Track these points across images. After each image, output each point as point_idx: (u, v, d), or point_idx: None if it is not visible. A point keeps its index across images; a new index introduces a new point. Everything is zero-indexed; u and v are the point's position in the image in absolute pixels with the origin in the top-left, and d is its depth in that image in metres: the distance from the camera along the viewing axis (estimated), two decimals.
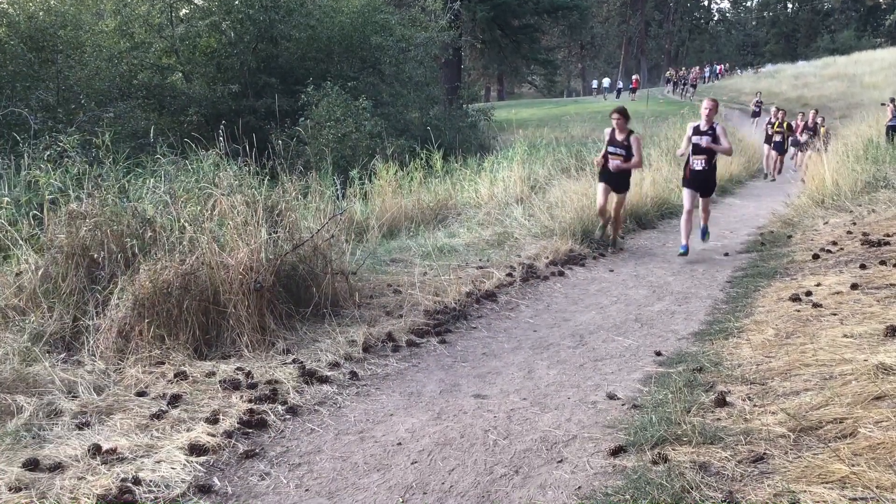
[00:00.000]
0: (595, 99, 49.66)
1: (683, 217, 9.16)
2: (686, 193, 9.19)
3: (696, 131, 8.93)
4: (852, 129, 21.39)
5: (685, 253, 8.96)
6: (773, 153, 20.01)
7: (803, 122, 19.92)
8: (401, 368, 5.32)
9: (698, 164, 8.96)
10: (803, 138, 19.04)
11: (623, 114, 9.21)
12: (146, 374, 4.87)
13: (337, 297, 6.41)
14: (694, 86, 46.62)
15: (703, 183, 9.14)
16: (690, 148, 8.94)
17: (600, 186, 9.31)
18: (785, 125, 19.56)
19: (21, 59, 15.13)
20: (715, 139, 8.82)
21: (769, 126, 20.11)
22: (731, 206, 14.51)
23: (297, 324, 5.88)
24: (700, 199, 9.25)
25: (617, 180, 9.29)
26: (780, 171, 19.94)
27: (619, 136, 9.19)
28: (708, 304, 6.91)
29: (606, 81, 54.76)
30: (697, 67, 55.43)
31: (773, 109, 21.11)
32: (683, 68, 56.41)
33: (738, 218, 12.94)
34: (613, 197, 9.42)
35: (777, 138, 19.64)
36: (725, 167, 17.66)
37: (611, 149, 9.21)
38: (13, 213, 6.40)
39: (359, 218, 9.84)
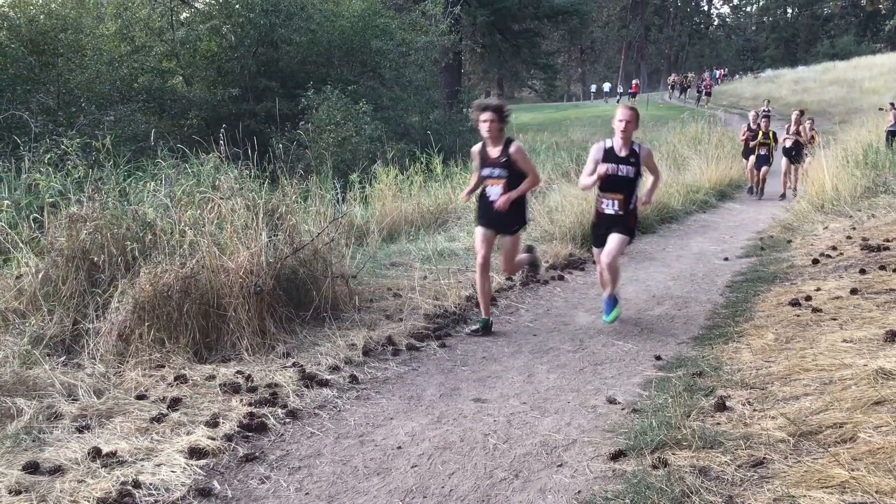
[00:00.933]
0: (594, 103, 49.71)
1: (600, 265, 6.35)
2: (595, 237, 6.48)
3: (609, 156, 6.01)
4: (852, 134, 21.40)
5: (610, 321, 6.31)
6: (762, 167, 16.45)
7: (785, 128, 16.37)
8: (401, 372, 5.32)
9: (610, 205, 6.08)
10: (786, 144, 15.84)
11: (498, 113, 5.93)
12: (146, 378, 4.87)
13: (337, 300, 6.42)
14: (709, 93, 43.88)
15: (609, 226, 6.18)
16: (597, 181, 6.05)
17: (479, 232, 6.22)
18: (771, 134, 16.31)
19: (22, 63, 15.15)
20: (639, 171, 6.06)
21: (748, 134, 16.80)
22: (730, 210, 14.51)
23: (298, 327, 5.88)
24: (604, 251, 6.20)
25: (502, 218, 6.06)
26: (761, 189, 16.60)
27: (494, 152, 6.00)
28: (707, 309, 6.91)
29: (607, 86, 54.81)
30: (714, 71, 54.82)
31: (751, 115, 17.61)
32: (691, 73, 56.27)
33: (737, 222, 12.95)
34: (505, 241, 6.37)
35: (762, 151, 16.30)
36: (725, 172, 17.69)
37: (485, 171, 6.08)
38: (13, 216, 6.39)
39: (359, 222, 9.85)
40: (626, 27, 71.20)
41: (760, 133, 16.36)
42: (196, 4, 21.02)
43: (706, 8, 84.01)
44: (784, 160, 16.13)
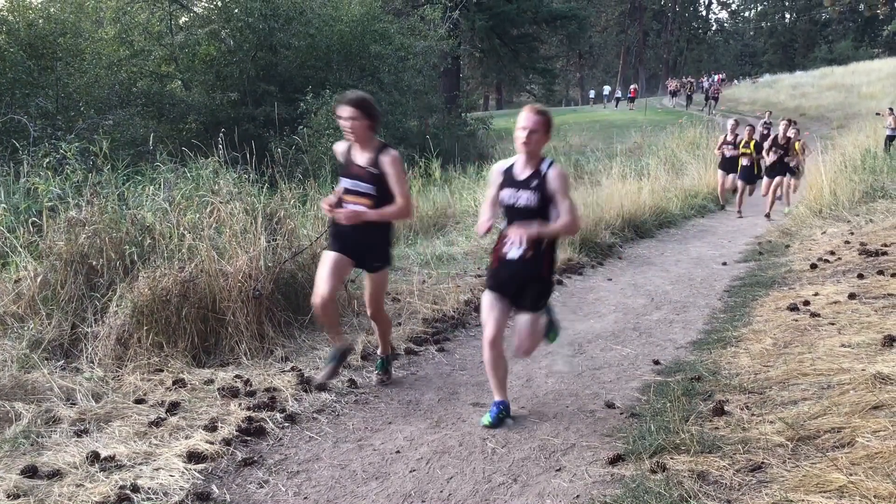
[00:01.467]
0: (592, 108, 49.72)
1: (486, 352, 4.37)
2: (486, 303, 4.39)
3: (510, 180, 4.27)
4: (850, 139, 21.47)
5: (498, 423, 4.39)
6: (739, 182, 14.44)
7: (772, 138, 14.28)
8: (399, 376, 5.32)
9: (514, 246, 4.21)
10: (770, 158, 13.67)
11: (361, 108, 4.59)
12: (145, 382, 4.87)
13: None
14: (716, 98, 41.93)
15: (521, 283, 4.28)
16: (502, 211, 4.34)
17: (327, 258, 4.69)
18: (752, 144, 14.23)
19: (21, 67, 15.16)
20: (545, 198, 4.14)
21: (727, 146, 14.58)
22: (729, 215, 14.51)
23: (296, 331, 5.89)
24: (517, 317, 4.42)
25: (361, 245, 4.68)
26: (740, 205, 14.46)
27: (361, 158, 4.66)
28: (706, 314, 6.92)
29: (607, 89, 54.75)
30: (713, 77, 54.38)
31: (730, 124, 15.14)
32: (688, 77, 55.95)
33: (736, 227, 12.95)
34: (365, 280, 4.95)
35: (744, 162, 14.23)
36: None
37: (346, 183, 4.70)
38: (12, 221, 6.39)
39: None
40: (624, 32, 71.30)
41: (743, 141, 14.27)
42: (195, 9, 21.04)
43: (704, 13, 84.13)
44: (765, 179, 14.13)
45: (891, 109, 20.86)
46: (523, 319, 4.33)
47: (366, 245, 4.69)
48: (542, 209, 4.13)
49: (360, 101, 4.61)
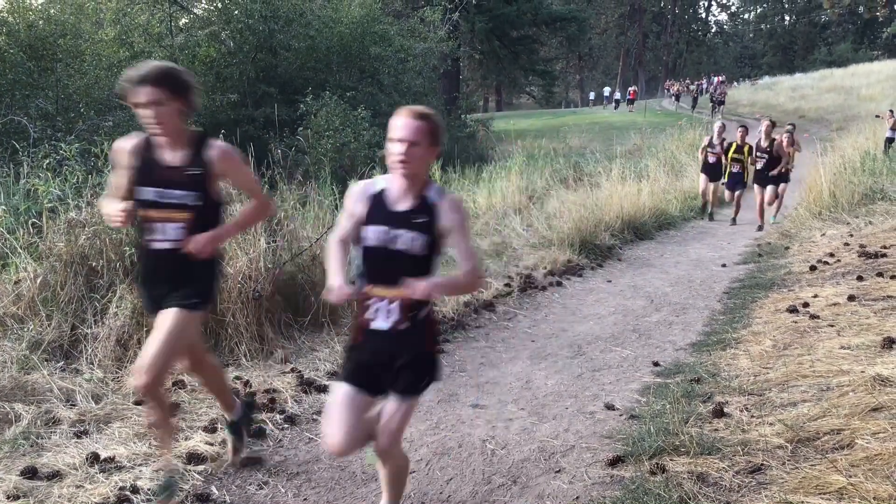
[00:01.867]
0: (592, 110, 49.73)
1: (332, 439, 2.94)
2: (338, 400, 2.95)
3: (379, 212, 2.92)
4: (849, 141, 21.46)
5: None
6: (727, 192, 13.63)
7: (755, 142, 13.04)
8: None
9: (382, 313, 2.90)
10: (758, 165, 12.68)
11: (170, 86, 3.23)
12: None
13: (335, 306, 6.41)
14: (722, 101, 40.66)
15: (393, 363, 2.93)
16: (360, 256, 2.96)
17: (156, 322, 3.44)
18: (746, 149, 13.08)
19: (21, 68, 15.15)
20: (433, 240, 2.93)
21: (711, 150, 13.62)
22: (728, 217, 14.51)
23: (296, 333, 5.89)
24: (386, 404, 2.97)
25: (172, 285, 3.39)
26: (736, 213, 13.66)
27: (172, 157, 3.36)
28: (705, 315, 6.92)
29: (607, 90, 54.72)
30: (712, 78, 54.07)
31: (717, 126, 14.19)
32: (687, 80, 55.84)
33: (735, 229, 12.96)
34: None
35: (735, 168, 13.21)
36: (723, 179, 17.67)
37: (151, 193, 3.33)
38: (12, 222, 6.39)
39: None
40: (623, 34, 71.36)
41: (734, 145, 13.18)
42: (195, 10, 21.05)
43: (704, 15, 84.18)
44: (756, 186, 12.95)
45: (891, 112, 20.87)
46: (394, 406, 2.93)
47: (178, 276, 3.36)
48: (427, 256, 2.92)
49: (163, 76, 3.21)
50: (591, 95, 59.82)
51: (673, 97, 49.96)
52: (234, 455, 3.86)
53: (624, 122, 34.64)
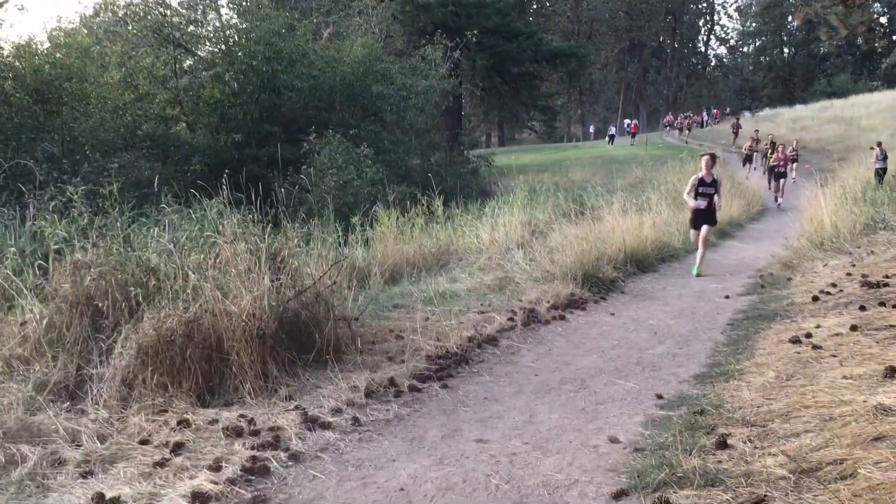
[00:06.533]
0: (594, 144, 49.98)
1: None
2: None
3: None
4: (850, 171, 21.59)
5: None
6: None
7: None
8: (403, 414, 5.33)
9: None
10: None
11: None
12: (149, 423, 4.89)
13: (339, 343, 6.44)
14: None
15: None
16: None
17: None
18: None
19: (27, 112, 15.36)
20: None
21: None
22: (730, 248, 14.56)
23: (300, 370, 5.90)
24: None
25: None
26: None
27: None
28: (709, 347, 6.93)
29: (612, 129, 54.87)
30: (712, 111, 54.15)
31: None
32: (688, 113, 56.18)
33: (738, 260, 12.99)
34: None
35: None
36: (724, 210, 17.77)
37: None
38: (18, 264, 6.46)
39: (361, 264, 9.90)
40: (624, 69, 72.03)
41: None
42: (199, 53, 21.34)
43: (703, 49, 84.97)
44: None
45: (879, 143, 21.35)
46: None
47: None
48: None
49: None
50: (591, 129, 60.09)
51: (678, 130, 49.98)
52: None
53: (626, 155, 34.81)
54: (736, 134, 41.07)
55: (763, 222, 19.91)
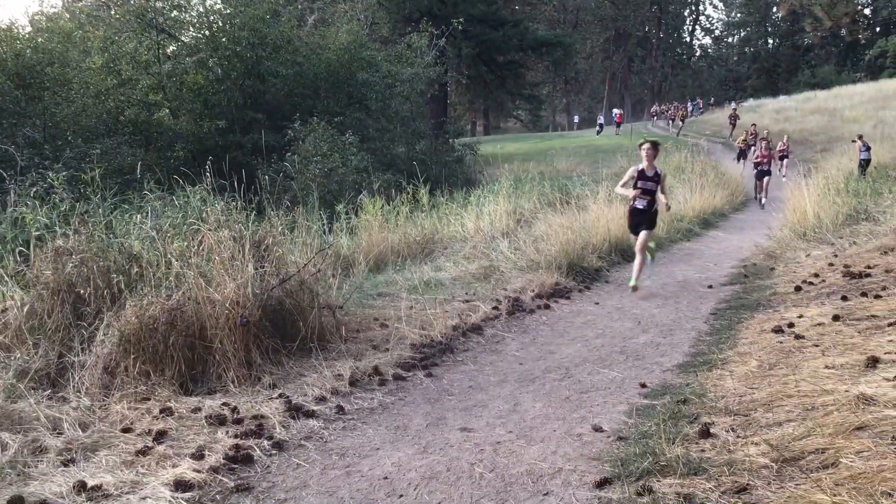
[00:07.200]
0: (580, 134, 49.97)
1: None
2: None
3: None
4: (833, 162, 21.72)
5: None
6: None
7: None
8: (387, 402, 5.32)
9: None
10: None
11: None
12: (131, 411, 4.86)
13: (324, 331, 6.42)
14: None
15: None
16: None
17: None
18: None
19: (8, 97, 15.19)
20: None
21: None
22: (714, 238, 14.62)
23: (284, 358, 5.88)
24: None
25: None
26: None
27: None
28: (692, 337, 6.96)
29: (601, 118, 54.82)
30: (696, 101, 53.89)
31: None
32: (675, 102, 56.16)
33: (721, 251, 13.04)
34: None
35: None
36: (708, 201, 17.86)
37: None
38: None
39: (345, 252, 9.87)
40: (609, 58, 72.07)
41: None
42: (183, 38, 21.15)
43: (688, 39, 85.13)
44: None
45: (860, 136, 21.47)
46: None
47: None
48: None
49: None
50: (576, 119, 60.09)
51: (669, 119, 49.81)
52: None
53: (611, 144, 34.86)
54: (733, 125, 40.19)
55: (747, 213, 19.99)
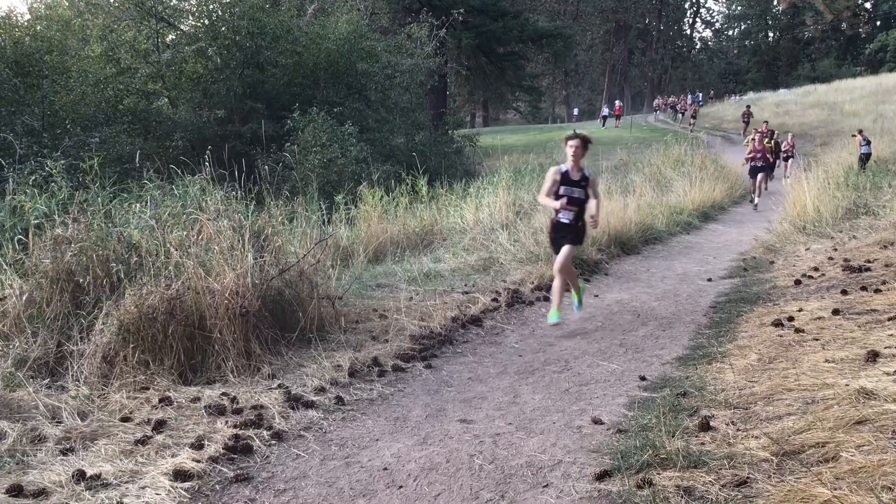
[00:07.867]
0: (581, 125, 49.85)
1: None
2: None
3: None
4: (833, 156, 21.69)
5: None
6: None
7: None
8: (386, 393, 5.32)
9: None
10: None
11: None
12: (131, 400, 4.85)
13: (323, 321, 6.42)
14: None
15: None
16: None
17: None
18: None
19: (6, 85, 15.12)
20: None
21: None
22: (714, 232, 14.61)
23: (283, 349, 5.88)
24: None
25: None
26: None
27: None
28: (692, 330, 6.95)
29: (605, 110, 54.66)
30: (697, 94, 53.73)
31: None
32: (673, 96, 56.05)
33: (721, 244, 13.04)
34: None
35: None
36: (708, 194, 17.82)
37: None
38: None
39: (345, 243, 9.85)
40: (609, 50, 71.89)
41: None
42: (182, 27, 21.07)
43: (688, 32, 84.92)
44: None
45: (860, 131, 21.40)
46: None
47: None
48: None
49: None
50: (575, 111, 59.95)
51: (672, 111, 49.71)
52: None
53: (610, 137, 34.79)
54: (746, 123, 38.82)
55: (746, 206, 19.98)
